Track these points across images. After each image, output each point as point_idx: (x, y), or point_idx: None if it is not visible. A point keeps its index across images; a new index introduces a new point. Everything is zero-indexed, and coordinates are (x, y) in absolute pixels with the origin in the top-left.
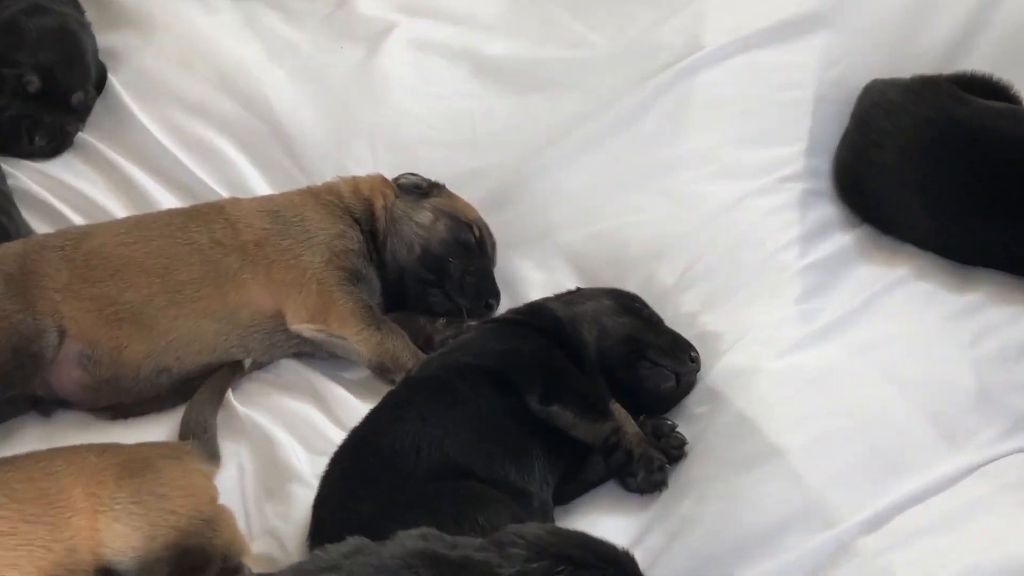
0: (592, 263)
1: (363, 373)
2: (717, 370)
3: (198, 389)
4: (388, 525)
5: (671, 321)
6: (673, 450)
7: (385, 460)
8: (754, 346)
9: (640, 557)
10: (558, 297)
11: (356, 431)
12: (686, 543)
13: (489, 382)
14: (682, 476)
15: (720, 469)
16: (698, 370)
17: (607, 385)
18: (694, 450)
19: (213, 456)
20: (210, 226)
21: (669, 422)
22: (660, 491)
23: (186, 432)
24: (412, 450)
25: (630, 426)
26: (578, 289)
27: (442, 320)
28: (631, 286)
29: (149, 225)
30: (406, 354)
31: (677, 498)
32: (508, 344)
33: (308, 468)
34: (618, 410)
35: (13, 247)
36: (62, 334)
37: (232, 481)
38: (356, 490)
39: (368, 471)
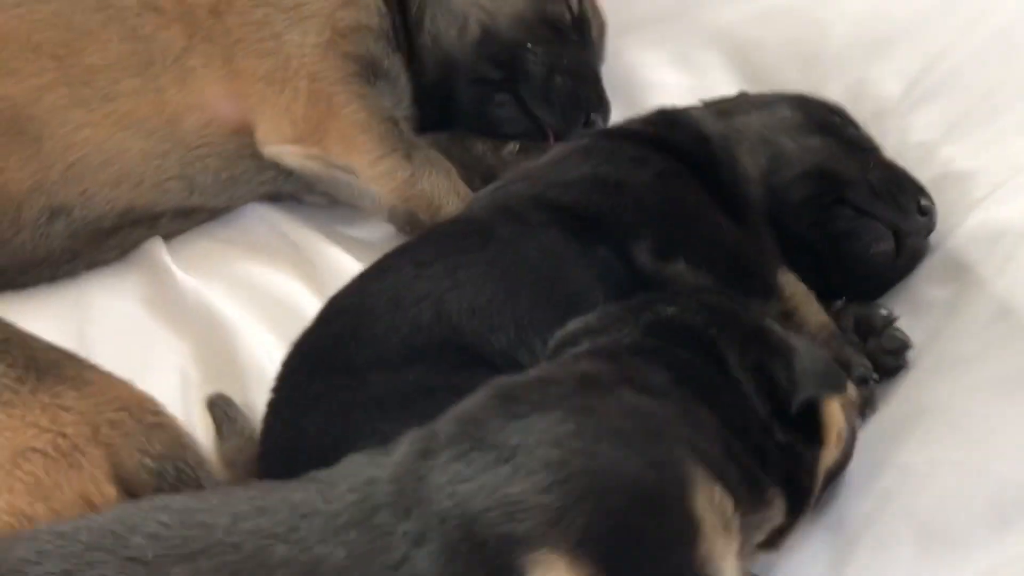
0: (764, 57)
1: (379, 230)
2: (966, 230)
3: None
4: (342, 446)
5: (894, 152)
6: (887, 357)
7: (347, 330)
8: None
9: (829, 539)
10: (708, 105)
11: (331, 299)
12: (903, 508)
13: (563, 225)
14: (902, 401)
15: (966, 392)
16: (932, 228)
17: (779, 245)
18: (923, 360)
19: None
20: None
21: (883, 312)
22: (862, 421)
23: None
24: (388, 308)
25: (812, 312)
26: (742, 94)
27: (513, 144)
28: (830, 95)
29: None
30: (451, 199)
31: (892, 438)
32: (608, 168)
33: None
34: (792, 284)
35: None
36: None
37: (172, 392)
38: (305, 387)
39: (322, 353)
